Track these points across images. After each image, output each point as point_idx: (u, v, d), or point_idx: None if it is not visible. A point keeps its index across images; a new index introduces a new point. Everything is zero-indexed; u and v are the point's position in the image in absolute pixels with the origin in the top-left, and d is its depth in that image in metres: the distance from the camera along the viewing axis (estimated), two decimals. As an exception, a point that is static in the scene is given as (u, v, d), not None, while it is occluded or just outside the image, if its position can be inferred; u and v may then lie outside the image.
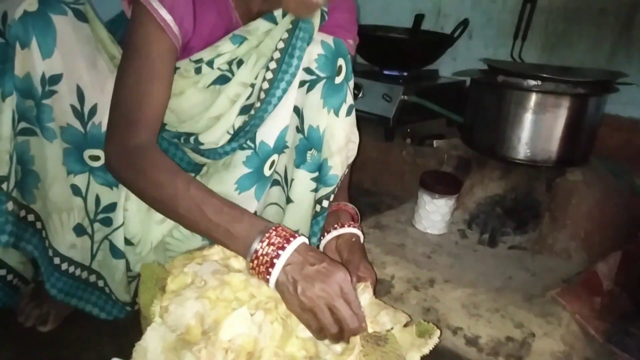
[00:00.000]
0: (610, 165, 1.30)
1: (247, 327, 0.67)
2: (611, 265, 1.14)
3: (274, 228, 0.73)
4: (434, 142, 1.48)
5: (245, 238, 0.73)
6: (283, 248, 0.71)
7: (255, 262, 0.72)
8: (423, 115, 1.56)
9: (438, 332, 0.76)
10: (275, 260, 0.71)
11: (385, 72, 1.59)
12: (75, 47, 0.82)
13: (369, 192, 1.64)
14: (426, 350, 0.74)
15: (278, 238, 0.72)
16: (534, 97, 1.20)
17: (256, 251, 0.72)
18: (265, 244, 0.72)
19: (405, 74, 1.57)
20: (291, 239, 0.72)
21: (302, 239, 0.74)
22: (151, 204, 0.81)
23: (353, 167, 1.07)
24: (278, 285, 0.71)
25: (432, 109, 1.48)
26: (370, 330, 0.73)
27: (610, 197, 1.24)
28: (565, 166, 1.26)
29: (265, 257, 0.71)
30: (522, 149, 1.24)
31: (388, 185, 1.61)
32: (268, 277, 0.71)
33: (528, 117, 1.21)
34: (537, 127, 1.22)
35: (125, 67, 0.80)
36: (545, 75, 1.21)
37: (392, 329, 0.77)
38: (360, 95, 1.51)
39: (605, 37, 1.49)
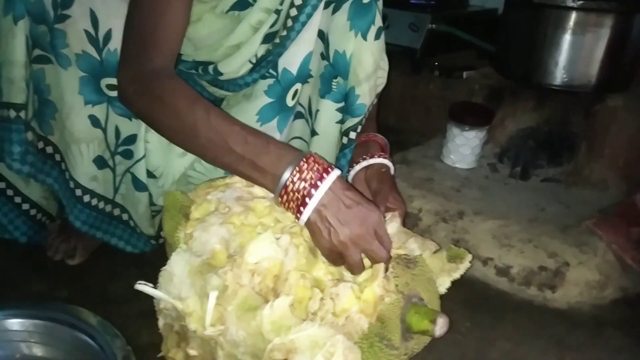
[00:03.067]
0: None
1: (273, 251, 0.65)
2: (650, 195, 1.09)
3: (305, 159, 0.66)
4: (464, 73, 1.41)
5: (273, 171, 0.66)
6: (316, 186, 0.64)
7: (285, 197, 0.66)
8: (452, 46, 1.48)
9: (470, 257, 0.73)
10: (307, 200, 0.64)
11: (412, 1, 1.50)
12: None
13: (394, 129, 1.59)
14: (457, 275, 0.72)
15: (310, 172, 0.65)
16: (573, 16, 1.11)
17: (285, 186, 0.65)
18: (296, 178, 0.65)
19: (432, 2, 1.49)
20: (324, 174, 0.65)
21: (336, 173, 0.66)
22: (169, 136, 0.75)
23: (378, 101, 1.02)
24: (309, 225, 0.66)
25: (463, 37, 1.40)
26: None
27: (652, 125, 1.17)
28: (605, 92, 1.19)
29: (296, 193, 0.65)
30: (559, 74, 1.17)
31: (414, 121, 1.56)
32: (299, 215, 0.66)
33: (566, 39, 1.14)
34: (576, 50, 1.14)
35: None
36: (586, -8, 1.12)
37: (420, 255, 0.75)
38: (384, 25, 1.43)
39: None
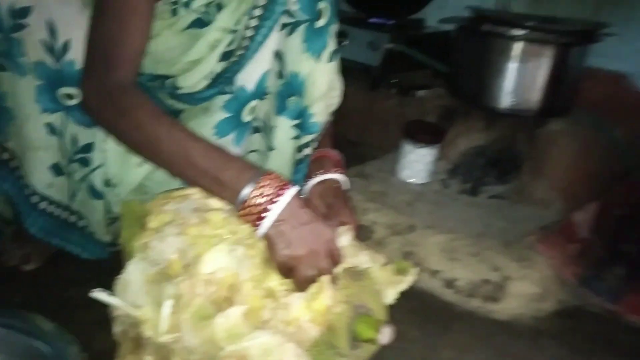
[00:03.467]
0: (592, 117, 1.31)
1: (228, 261, 0.68)
2: (588, 214, 1.16)
3: (264, 175, 0.69)
4: (417, 92, 1.47)
5: (234, 186, 0.69)
6: (273, 202, 0.67)
7: (244, 211, 0.69)
8: (409, 65, 1.54)
9: (415, 270, 0.77)
10: (265, 214, 0.67)
11: (371, 20, 1.56)
12: None
13: (354, 143, 1.64)
14: (403, 287, 0.76)
15: (269, 189, 0.68)
16: (517, 46, 1.19)
17: (245, 201, 0.68)
18: (255, 193, 0.68)
19: (391, 22, 1.55)
20: (282, 191, 0.68)
21: (294, 190, 0.69)
22: (133, 148, 0.77)
23: (337, 116, 1.06)
24: (266, 238, 0.69)
25: (418, 58, 1.46)
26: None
27: (591, 148, 1.25)
28: (547, 116, 1.26)
29: (255, 208, 0.68)
30: (506, 99, 1.24)
31: (373, 136, 1.61)
32: (257, 229, 0.69)
33: (512, 67, 1.21)
34: (520, 77, 1.22)
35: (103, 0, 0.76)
36: (529, 24, 1.20)
37: (369, 268, 0.78)
38: (345, 43, 1.48)
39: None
